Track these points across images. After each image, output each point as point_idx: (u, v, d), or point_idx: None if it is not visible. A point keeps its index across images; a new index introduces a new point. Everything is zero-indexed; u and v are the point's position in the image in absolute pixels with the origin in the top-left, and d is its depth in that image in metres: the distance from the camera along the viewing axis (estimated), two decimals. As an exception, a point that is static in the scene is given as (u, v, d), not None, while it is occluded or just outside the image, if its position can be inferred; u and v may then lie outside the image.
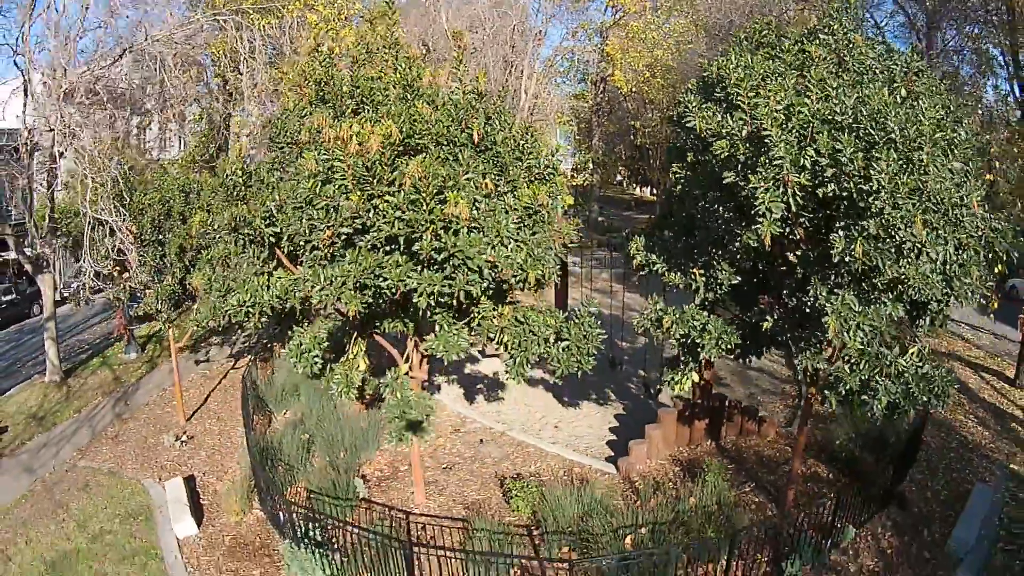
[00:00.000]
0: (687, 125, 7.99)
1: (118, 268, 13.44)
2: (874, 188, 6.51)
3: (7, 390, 17.21)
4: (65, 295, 23.51)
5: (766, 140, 6.97)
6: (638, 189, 42.08)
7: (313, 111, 9.48)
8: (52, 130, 13.71)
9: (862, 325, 7.12)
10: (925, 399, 7.56)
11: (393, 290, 8.01)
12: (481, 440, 12.57)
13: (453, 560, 8.80)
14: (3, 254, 28.49)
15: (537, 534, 9.64)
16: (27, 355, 20.17)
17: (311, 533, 9.34)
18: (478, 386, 15.20)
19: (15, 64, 14.35)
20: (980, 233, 7.49)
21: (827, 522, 9.05)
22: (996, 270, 12.85)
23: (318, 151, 8.29)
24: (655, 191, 37.37)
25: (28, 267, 17.04)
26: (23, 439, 14.64)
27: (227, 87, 20.14)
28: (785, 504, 9.77)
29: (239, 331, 20.15)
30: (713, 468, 10.11)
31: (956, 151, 7.06)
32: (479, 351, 16.86)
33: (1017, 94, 14.42)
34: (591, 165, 30.47)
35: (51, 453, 14.01)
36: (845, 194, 6.82)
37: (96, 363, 18.84)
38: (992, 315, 16.20)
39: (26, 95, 14.46)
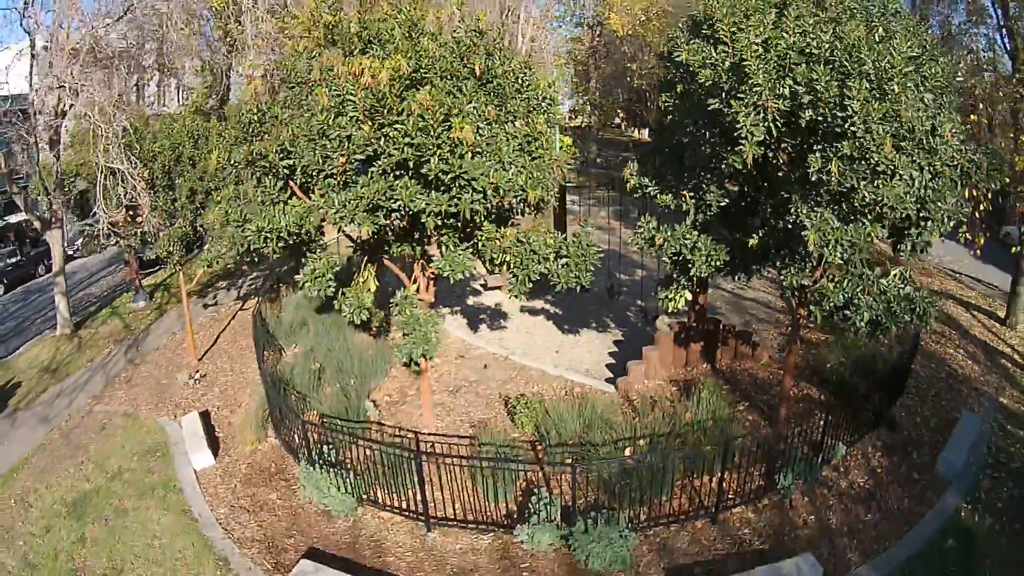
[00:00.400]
0: (676, 59, 8.62)
1: (130, 214, 13.55)
2: (848, 114, 6.97)
3: (17, 348, 17.52)
4: (71, 252, 23.82)
5: (746, 70, 7.40)
6: (636, 131, 41.89)
7: (323, 52, 9.72)
8: (63, 86, 13.72)
9: (841, 241, 7.51)
10: (907, 318, 8.02)
11: (403, 211, 8.29)
12: (485, 365, 13.00)
13: (461, 471, 9.30)
14: (6, 218, 28.67)
15: (540, 448, 10.11)
16: (35, 313, 20.44)
17: (325, 453, 9.78)
18: (481, 316, 15.58)
19: (21, 26, 14.38)
20: (956, 163, 7.86)
21: (818, 439, 9.50)
22: (981, 207, 13.20)
23: (330, 87, 8.52)
24: (652, 132, 37.30)
25: (37, 224, 17.19)
26: (37, 392, 14.96)
27: (228, 39, 19.93)
28: (777, 420, 10.22)
29: (245, 274, 20.48)
30: (708, 387, 10.51)
31: (928, 83, 7.47)
32: (481, 285, 17.21)
33: (1006, 43, 14.44)
34: (588, 107, 30.37)
35: (65, 402, 14.36)
36: (822, 119, 7.28)
37: (105, 314, 19.18)
38: (979, 253, 16.49)
39: (33, 57, 14.48)
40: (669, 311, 9.95)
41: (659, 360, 11.76)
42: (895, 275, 8.32)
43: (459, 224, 9.06)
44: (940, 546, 8.45)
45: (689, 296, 9.70)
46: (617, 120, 41.25)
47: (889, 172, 7.31)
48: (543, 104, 9.74)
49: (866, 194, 7.30)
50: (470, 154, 8.18)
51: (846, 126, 7.03)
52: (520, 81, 9.46)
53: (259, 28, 16.94)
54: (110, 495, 10.81)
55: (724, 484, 8.93)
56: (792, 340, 10.04)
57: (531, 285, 9.07)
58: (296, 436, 10.27)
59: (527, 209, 9.11)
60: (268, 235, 8.50)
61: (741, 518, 8.92)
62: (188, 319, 14.87)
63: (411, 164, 8.36)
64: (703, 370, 12.08)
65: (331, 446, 9.89)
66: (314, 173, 8.79)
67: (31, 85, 15.00)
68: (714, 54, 7.93)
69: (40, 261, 25.48)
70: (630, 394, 11.40)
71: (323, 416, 10.81)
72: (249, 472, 10.85)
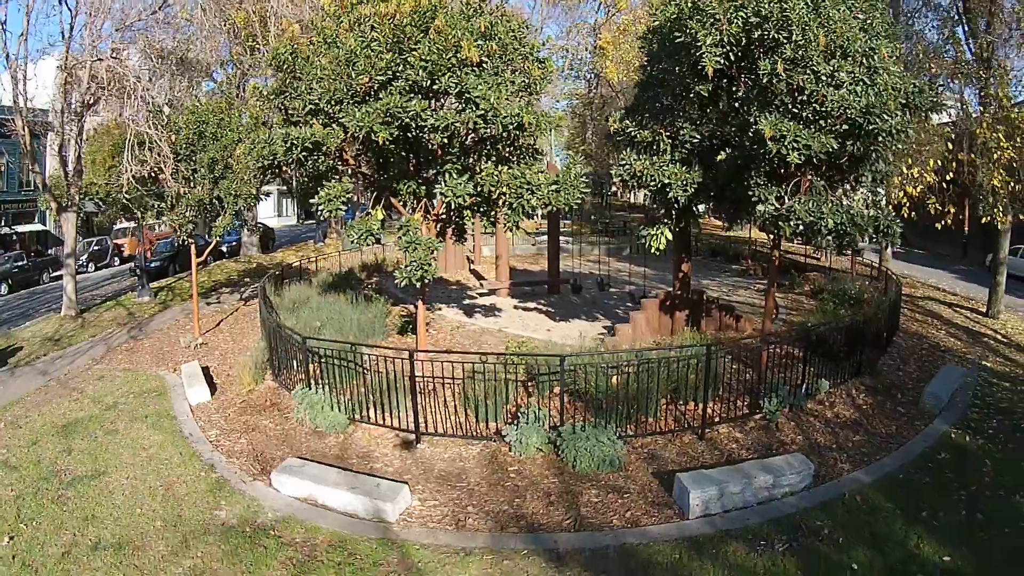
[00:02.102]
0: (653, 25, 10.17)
1: (153, 173, 14.21)
2: (788, 25, 8.21)
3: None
4: (77, 267, 24.45)
5: (703, 5, 8.78)
6: (631, 194, 43.27)
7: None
8: (100, 59, 14.82)
9: (797, 142, 8.22)
10: (871, 231, 8.63)
11: (415, 123, 9.03)
12: (480, 334, 13.29)
13: (455, 386, 9.50)
14: (14, 228, 29.60)
15: (532, 384, 10.29)
16: (39, 306, 20.89)
17: (322, 374, 9.97)
18: (477, 309, 16.00)
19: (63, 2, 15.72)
20: (900, 86, 8.77)
21: (801, 373, 9.77)
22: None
23: (358, 29, 9.51)
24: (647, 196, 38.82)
25: (54, 205, 17.89)
26: (38, 355, 15.14)
27: (249, 47, 21.50)
28: (760, 366, 10.49)
29: (248, 284, 20.96)
30: (692, 336, 10.83)
31: (857, 4, 8.79)
32: (478, 291, 17.72)
33: (964, 23, 15.63)
34: (584, 158, 31.83)
35: (66, 362, 14.48)
36: (767, 34, 8.44)
37: (110, 304, 19.58)
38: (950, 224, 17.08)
39: (71, 31, 15.74)
40: (652, 250, 10.45)
41: (645, 322, 12.11)
42: (858, 199, 8.99)
43: (461, 153, 9.79)
44: (933, 457, 8.59)
45: (669, 235, 10.30)
46: (613, 187, 42.89)
47: (834, 84, 8.36)
48: (536, 57, 10.71)
49: (814, 90, 8.26)
50: (474, 76, 9.06)
51: (786, 33, 8.27)
52: (518, 38, 10.46)
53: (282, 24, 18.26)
54: (103, 420, 10.84)
55: (710, 410, 9.16)
56: (771, 285, 10.50)
57: (528, 216, 9.67)
58: (295, 362, 10.48)
59: (523, 135, 9.81)
60: (294, 143, 9.18)
61: (728, 436, 9.04)
62: (195, 293, 15.25)
63: (424, 85, 9.20)
64: (688, 337, 12.36)
65: (328, 360, 10.05)
66: (339, 99, 9.59)
67: (65, 63, 16.05)
68: None
69: (44, 269, 26.21)
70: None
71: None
72: (244, 405, 10.96)
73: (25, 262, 25.42)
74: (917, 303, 17.14)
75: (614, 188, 42.15)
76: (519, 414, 8.85)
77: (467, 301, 16.99)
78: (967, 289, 19.66)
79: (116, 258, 29.23)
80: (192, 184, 14.09)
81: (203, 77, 22.30)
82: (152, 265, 21.87)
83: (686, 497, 7.31)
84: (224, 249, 28.07)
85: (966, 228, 24.69)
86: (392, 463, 8.77)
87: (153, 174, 13.99)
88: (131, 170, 13.54)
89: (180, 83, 19.06)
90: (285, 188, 37.68)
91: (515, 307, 16.14)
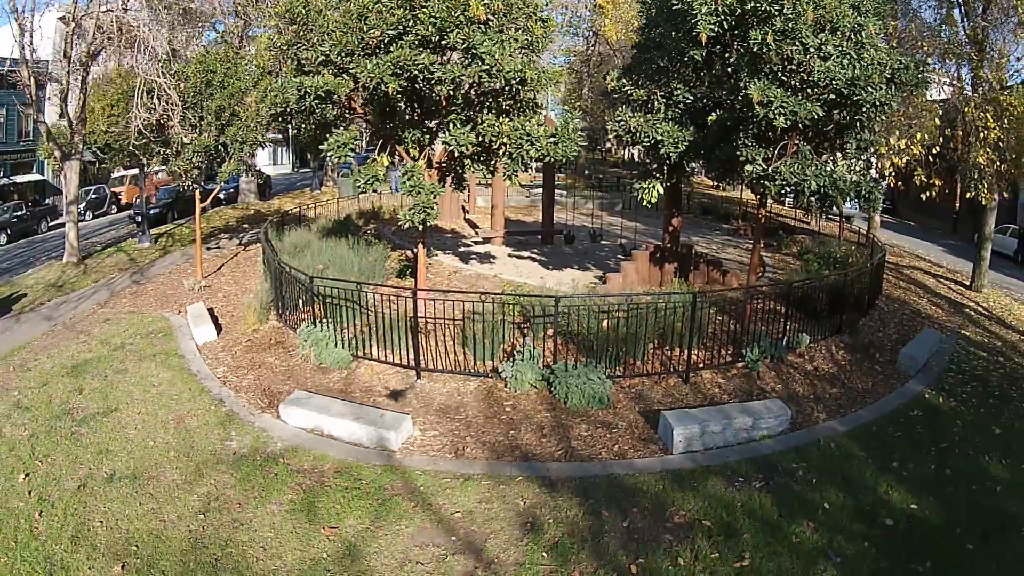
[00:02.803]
0: None
1: (161, 120, 14.27)
2: None
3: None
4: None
5: None
6: (625, 151, 43.19)
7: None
8: (110, 10, 14.74)
9: (784, 107, 8.57)
10: (853, 194, 9.05)
11: (423, 76, 9.23)
12: (476, 278, 13.72)
13: (452, 331, 9.93)
14: (13, 178, 29.52)
15: (527, 326, 10.73)
16: (40, 254, 21.06)
17: (327, 310, 10.36)
18: (473, 256, 16.48)
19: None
20: (886, 61, 9.11)
21: (783, 328, 10.25)
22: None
23: None
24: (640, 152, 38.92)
25: (57, 153, 17.95)
26: (42, 300, 15.43)
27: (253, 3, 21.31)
28: (744, 317, 10.95)
29: (246, 230, 21.19)
30: (679, 284, 11.25)
31: None
32: (473, 240, 18.07)
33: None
34: (580, 114, 31.76)
35: (70, 308, 14.76)
36: (759, 5, 8.76)
37: (111, 250, 19.82)
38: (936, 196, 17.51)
39: None
40: (644, 203, 10.81)
41: (635, 272, 12.56)
42: (843, 165, 9.38)
43: (465, 105, 10.01)
44: (906, 414, 9.11)
45: (661, 189, 10.67)
46: (608, 143, 42.73)
47: (822, 56, 8.73)
48: (539, 15, 10.84)
49: (802, 60, 8.62)
50: (481, 33, 9.24)
51: (777, 6, 8.59)
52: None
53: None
54: (111, 360, 11.15)
55: (694, 357, 9.65)
56: (756, 242, 10.92)
57: (524, 167, 9.95)
58: (301, 301, 10.84)
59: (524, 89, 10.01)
60: (308, 91, 9.38)
61: (711, 381, 9.56)
62: (198, 238, 15.50)
63: (432, 40, 9.37)
64: (676, 287, 12.79)
65: (332, 300, 10.42)
66: (350, 51, 9.74)
67: (74, 14, 15.98)
68: None
69: (43, 218, 26.35)
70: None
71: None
72: (249, 344, 11.36)
73: (24, 212, 25.45)
74: (902, 272, 17.63)
75: (608, 144, 42.12)
76: (514, 353, 9.31)
77: (463, 249, 17.36)
78: (954, 263, 20.17)
79: (113, 206, 29.26)
80: (199, 131, 14.21)
81: (206, 27, 22.09)
82: (151, 212, 22.00)
83: (670, 433, 7.82)
84: (222, 196, 28.12)
85: (957, 204, 25.19)
86: (394, 397, 9.24)
87: (160, 121, 14.05)
88: (140, 117, 13.62)
89: (182, 33, 18.93)
90: (281, 137, 37.41)
91: (509, 255, 16.53)
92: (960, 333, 12.70)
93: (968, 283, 16.67)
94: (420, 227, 10.10)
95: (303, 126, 10.98)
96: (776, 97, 8.75)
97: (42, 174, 31.23)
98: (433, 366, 9.74)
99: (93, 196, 28.48)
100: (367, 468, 7.65)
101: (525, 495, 7.05)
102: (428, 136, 10.81)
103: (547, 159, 9.95)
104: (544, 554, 6.20)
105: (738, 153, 9.59)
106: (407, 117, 10.95)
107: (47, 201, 29.28)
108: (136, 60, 13.84)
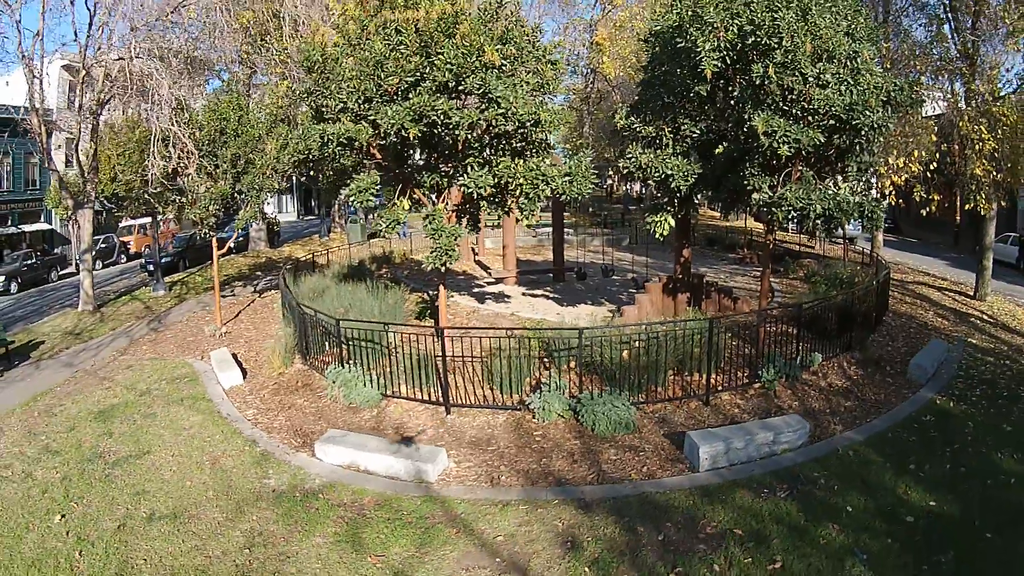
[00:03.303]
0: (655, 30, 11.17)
1: (177, 169, 14.71)
2: (778, 32, 9.11)
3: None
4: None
5: (702, 14, 9.63)
6: (627, 187, 44.08)
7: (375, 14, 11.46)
8: (121, 58, 15.39)
9: (787, 136, 9.13)
10: (856, 215, 9.54)
11: (442, 121, 9.76)
12: (494, 317, 14.08)
13: (476, 364, 10.26)
14: (21, 227, 30.00)
15: (549, 360, 11.06)
16: (53, 303, 21.29)
17: (355, 353, 10.71)
18: (488, 297, 16.83)
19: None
20: (882, 84, 9.67)
21: (796, 348, 10.63)
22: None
23: (384, 35, 10.21)
24: (644, 187, 39.71)
25: (70, 201, 18.43)
26: (61, 348, 15.54)
27: (254, 49, 22.09)
28: (759, 340, 11.33)
29: (259, 277, 21.60)
30: (696, 316, 11.65)
31: (840, 10, 9.73)
32: (486, 281, 18.49)
33: (949, 20, 16.49)
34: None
35: (90, 355, 14.90)
36: (760, 40, 9.31)
37: (126, 299, 20.15)
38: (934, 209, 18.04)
39: (89, 29, 16.33)
40: (657, 235, 11.29)
41: (649, 303, 12.97)
42: (844, 188, 9.89)
43: (483, 146, 10.54)
44: (919, 419, 9.45)
45: (672, 222, 11.15)
46: (608, 180, 43.73)
47: (820, 84, 9.29)
48: (549, 59, 11.48)
49: (802, 90, 9.18)
50: (496, 76, 9.82)
51: (776, 40, 9.16)
52: (531, 42, 11.23)
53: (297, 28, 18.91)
54: (138, 405, 11.30)
55: (713, 380, 10.00)
56: (765, 267, 11.37)
57: (540, 205, 10.44)
58: (327, 343, 11.18)
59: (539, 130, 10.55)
60: (330, 138, 9.88)
61: (730, 402, 9.88)
62: (216, 282, 15.88)
63: (450, 85, 9.93)
64: (691, 316, 13.18)
65: (359, 341, 10.75)
66: (368, 98, 10.29)
67: (83, 62, 16.58)
68: (679, 5, 10.28)
69: (53, 267, 26.74)
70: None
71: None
72: (276, 387, 11.65)
73: (34, 260, 25.86)
74: (907, 287, 18.10)
75: (610, 181, 43.08)
76: (540, 386, 9.64)
77: (477, 289, 17.77)
78: (957, 275, 20.67)
79: (123, 255, 29.70)
80: (215, 179, 14.71)
81: (211, 76, 22.87)
82: (163, 261, 22.42)
83: (696, 452, 8.12)
84: (232, 246, 28.63)
85: (957, 217, 25.85)
86: (426, 432, 9.52)
87: (176, 170, 14.53)
88: (156, 166, 14.09)
89: (186, 82, 19.60)
90: (285, 185, 38.20)
91: (523, 294, 16.95)
92: (967, 341, 13.09)
93: (972, 293, 17.11)
94: (442, 268, 10.50)
95: (323, 173, 11.48)
96: (779, 127, 9.28)
97: (50, 223, 31.74)
98: (461, 402, 10.04)
99: (102, 245, 28.96)
100: (407, 499, 7.90)
101: (562, 517, 7.31)
102: (445, 180, 11.31)
103: (562, 197, 10.42)
104: (586, 569, 6.44)
105: (745, 183, 10.09)
106: (424, 162, 11.47)
107: (56, 250, 29.73)
108: (150, 109, 14.37)
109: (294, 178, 34.59)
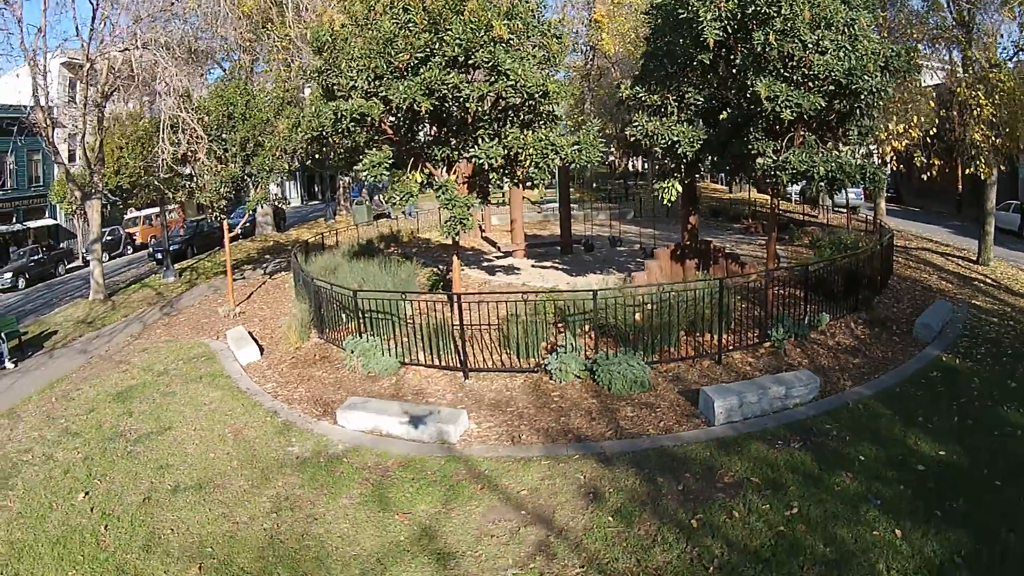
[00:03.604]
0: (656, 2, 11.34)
1: (187, 154, 14.78)
2: (777, 1, 9.27)
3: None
4: (88, 257, 25.10)
5: None
6: (630, 163, 44.07)
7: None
8: (126, 49, 15.44)
9: (789, 101, 9.24)
10: (858, 177, 9.68)
11: (451, 94, 9.87)
12: (506, 287, 14.26)
13: (492, 331, 10.45)
14: (26, 224, 30.15)
15: (563, 325, 11.23)
16: (62, 296, 21.36)
17: (371, 325, 10.89)
18: (497, 270, 17.02)
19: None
20: (879, 51, 9.83)
21: (804, 310, 10.80)
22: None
23: (392, 14, 10.29)
24: (645, 162, 39.76)
25: (77, 193, 18.56)
26: (74, 336, 15.63)
27: (256, 36, 22.10)
28: (767, 303, 11.51)
29: (268, 260, 21.77)
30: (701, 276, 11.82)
31: None
32: (496, 256, 18.66)
33: None
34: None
35: (104, 341, 14.98)
36: (760, 10, 9.44)
37: (136, 286, 20.31)
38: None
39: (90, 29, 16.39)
40: (664, 201, 11.43)
41: (658, 269, 13.16)
42: (846, 151, 10.03)
43: (492, 119, 10.65)
44: (926, 375, 9.67)
45: (680, 188, 11.28)
46: (611, 156, 43.64)
47: (820, 50, 9.47)
48: (555, 35, 11.57)
49: (802, 56, 9.33)
50: (504, 50, 9.92)
51: (775, 8, 9.31)
52: (536, 17, 11.31)
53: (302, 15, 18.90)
54: (157, 385, 11.38)
55: (724, 340, 10.19)
56: (772, 228, 11.52)
57: (550, 175, 10.57)
58: (344, 315, 11.35)
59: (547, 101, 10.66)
60: (343, 114, 10.00)
61: (742, 360, 10.09)
62: (228, 266, 16.05)
63: (459, 60, 10.03)
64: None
65: (376, 313, 10.92)
66: (379, 75, 10.39)
67: (87, 55, 16.63)
68: None
69: (60, 261, 26.91)
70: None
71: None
72: (295, 361, 11.83)
73: (40, 255, 26.01)
74: (911, 253, 18.25)
75: (612, 157, 43.08)
76: (555, 349, 9.83)
77: (486, 263, 17.94)
78: (960, 242, 20.82)
79: (129, 247, 29.85)
80: (224, 162, 14.82)
81: (212, 66, 22.88)
82: (172, 248, 22.56)
83: (711, 406, 8.32)
84: (239, 231, 28.77)
85: (959, 186, 25.94)
86: (445, 396, 9.72)
87: (186, 155, 14.62)
88: (167, 151, 14.19)
89: (189, 71, 19.61)
90: (296, 166, 38.37)
91: (532, 266, 17.12)
92: (971, 303, 13.27)
93: (975, 258, 17.27)
94: (456, 238, 10.65)
95: (334, 151, 11.57)
96: (781, 92, 9.43)
97: (55, 219, 31.88)
98: (478, 366, 10.23)
99: (108, 237, 29.04)
100: (430, 460, 8.10)
101: (584, 470, 7.52)
102: (456, 153, 11.43)
103: (572, 166, 10.55)
104: (609, 518, 6.65)
105: (750, 147, 10.21)
106: (434, 137, 11.58)
107: (61, 245, 29.90)
108: (158, 96, 14.44)
109: (297, 162, 34.62)
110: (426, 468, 7.95)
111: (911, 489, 6.76)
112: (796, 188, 31.49)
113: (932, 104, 16.36)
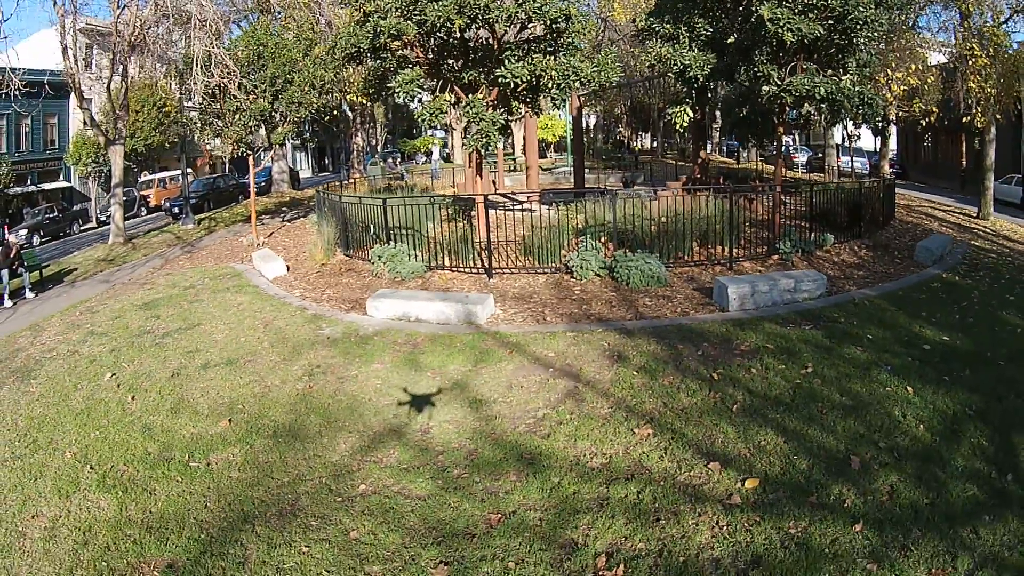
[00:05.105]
0: None
1: (222, 85, 15.11)
2: None
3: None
4: (103, 219, 25.49)
5: None
6: (639, 141, 44.44)
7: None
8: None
9: (790, 23, 9.76)
10: (857, 101, 10.16)
11: (482, 15, 10.34)
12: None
13: (517, 247, 10.91)
14: (41, 185, 30.61)
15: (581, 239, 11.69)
16: (79, 245, 21.73)
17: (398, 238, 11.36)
18: (514, 210, 17.34)
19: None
20: None
21: (810, 230, 11.33)
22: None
23: None
24: (655, 139, 40.27)
25: (101, 139, 18.99)
26: (95, 272, 15.64)
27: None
28: (775, 225, 11.98)
29: (286, 212, 22.22)
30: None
31: None
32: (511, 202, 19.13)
33: None
34: (592, 101, 33.28)
35: (126, 274, 14.92)
36: None
37: (155, 233, 20.72)
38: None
39: None
40: (677, 126, 11.96)
41: (672, 196, 13.58)
42: (847, 78, 10.54)
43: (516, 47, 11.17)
44: (928, 285, 10.20)
45: (691, 113, 11.80)
46: (620, 133, 44.20)
47: None
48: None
49: None
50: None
51: None
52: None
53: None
54: (184, 296, 11.49)
55: (735, 252, 10.67)
56: (778, 154, 12.05)
57: (572, 92, 11.05)
58: (372, 225, 11.79)
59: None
60: (381, 31, 10.45)
61: (752, 269, 10.59)
62: (252, 197, 16.46)
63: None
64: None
65: (404, 229, 11.40)
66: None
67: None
68: None
69: (75, 220, 27.35)
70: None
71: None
72: (320, 274, 12.26)
73: (55, 214, 26.59)
74: (914, 210, 18.76)
75: (620, 133, 43.74)
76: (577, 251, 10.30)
77: (502, 207, 18.32)
78: (963, 208, 21.35)
79: (143, 208, 30.25)
80: (254, 97, 15.24)
81: (225, 29, 23.27)
82: (191, 202, 22.94)
83: (724, 294, 8.80)
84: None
85: (963, 162, 26.51)
86: (470, 294, 10.16)
87: (220, 88, 14.95)
88: (200, 81, 14.58)
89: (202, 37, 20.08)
90: (299, 142, 38.77)
91: (548, 210, 17.49)
92: (970, 244, 13.79)
93: (975, 214, 17.84)
94: (482, 151, 11.10)
95: (365, 77, 11.91)
96: (783, 15, 9.93)
97: (69, 181, 32.33)
98: (501, 269, 10.69)
99: (124, 199, 29.50)
100: (459, 335, 8.54)
101: (608, 340, 7.99)
102: (482, 75, 11.92)
103: (592, 84, 11.02)
104: (634, 372, 7.12)
105: (756, 71, 10.71)
106: (462, 61, 12.07)
107: (75, 206, 30.34)
108: (192, 30, 14.84)
109: (307, 134, 35.03)
110: (455, 341, 8.39)
111: (919, 361, 7.17)
112: (803, 159, 32.11)
113: (927, 55, 16.93)
